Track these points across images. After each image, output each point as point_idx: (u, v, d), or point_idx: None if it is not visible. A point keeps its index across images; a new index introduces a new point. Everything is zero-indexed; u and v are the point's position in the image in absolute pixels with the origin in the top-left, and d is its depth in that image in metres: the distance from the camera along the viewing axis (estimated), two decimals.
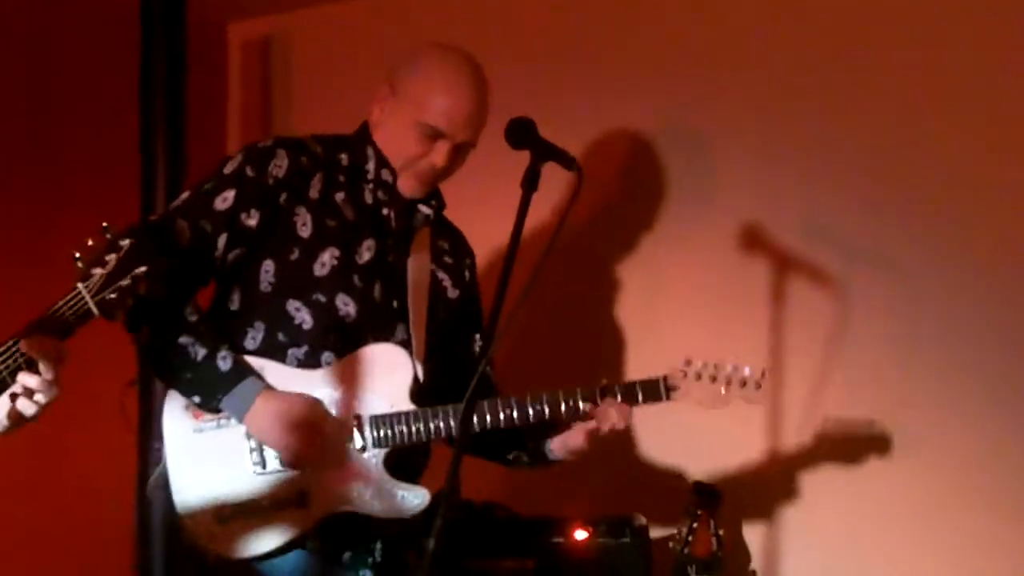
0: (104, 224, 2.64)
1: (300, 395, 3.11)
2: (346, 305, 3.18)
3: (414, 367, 3.21)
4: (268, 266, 3.16)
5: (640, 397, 3.24)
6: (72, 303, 2.59)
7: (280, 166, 3.17)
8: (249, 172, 3.15)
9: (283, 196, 3.16)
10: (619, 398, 3.21)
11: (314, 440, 3.08)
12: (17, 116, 4.85)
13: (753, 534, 4.20)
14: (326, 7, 5.20)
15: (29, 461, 4.17)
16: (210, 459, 3.12)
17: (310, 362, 3.15)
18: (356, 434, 3.14)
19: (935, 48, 3.99)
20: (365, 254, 3.23)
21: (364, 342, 3.19)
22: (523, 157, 2.95)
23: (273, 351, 3.15)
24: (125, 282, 2.62)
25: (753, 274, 4.18)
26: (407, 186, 3.27)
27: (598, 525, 4.00)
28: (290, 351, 3.16)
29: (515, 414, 3.18)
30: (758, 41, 4.27)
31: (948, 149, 3.97)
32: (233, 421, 3.10)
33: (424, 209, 3.35)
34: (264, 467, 3.11)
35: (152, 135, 4.74)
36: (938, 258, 3.99)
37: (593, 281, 4.56)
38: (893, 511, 4.03)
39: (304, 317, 3.15)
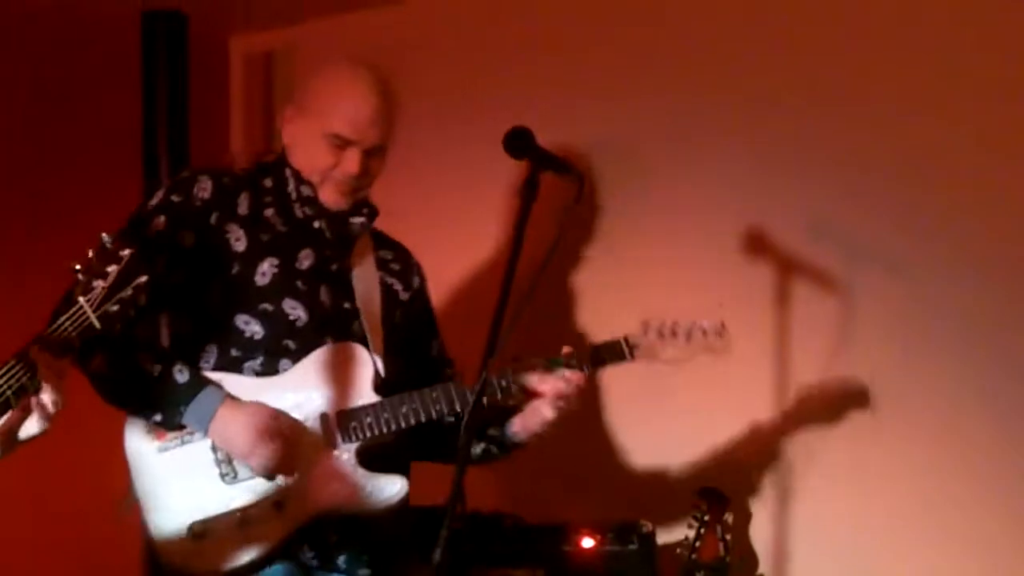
0: (103, 236, 2.63)
1: (262, 405, 3.10)
2: (294, 309, 3.19)
3: (373, 361, 3.22)
4: (210, 286, 3.16)
5: (605, 358, 3.29)
6: (74, 318, 2.59)
7: (204, 188, 3.20)
8: (175, 198, 3.18)
9: (213, 216, 3.19)
10: (584, 366, 3.26)
11: (282, 447, 3.07)
12: (19, 129, 4.86)
13: (760, 538, 4.20)
14: (328, 20, 5.20)
15: (37, 472, 4.15)
16: (177, 477, 3.11)
17: (268, 371, 3.16)
18: (324, 433, 3.14)
19: (938, 48, 3.98)
20: (304, 261, 3.25)
21: (321, 343, 3.20)
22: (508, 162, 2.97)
23: (229, 367, 3.15)
24: (127, 293, 2.62)
25: (756, 277, 4.18)
26: (330, 199, 3.28)
27: (605, 532, 4.00)
28: (246, 364, 3.16)
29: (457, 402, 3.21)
30: (759, 41, 4.27)
31: (952, 149, 3.96)
32: (196, 437, 3.09)
33: (356, 219, 3.34)
34: (235, 476, 3.10)
35: (155, 149, 4.77)
36: (943, 259, 3.99)
37: (589, 287, 4.56)
38: (901, 512, 4.02)
39: (254, 329, 3.16)
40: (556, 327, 4.49)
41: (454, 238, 4.64)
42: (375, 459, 3.21)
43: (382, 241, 3.49)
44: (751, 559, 4.19)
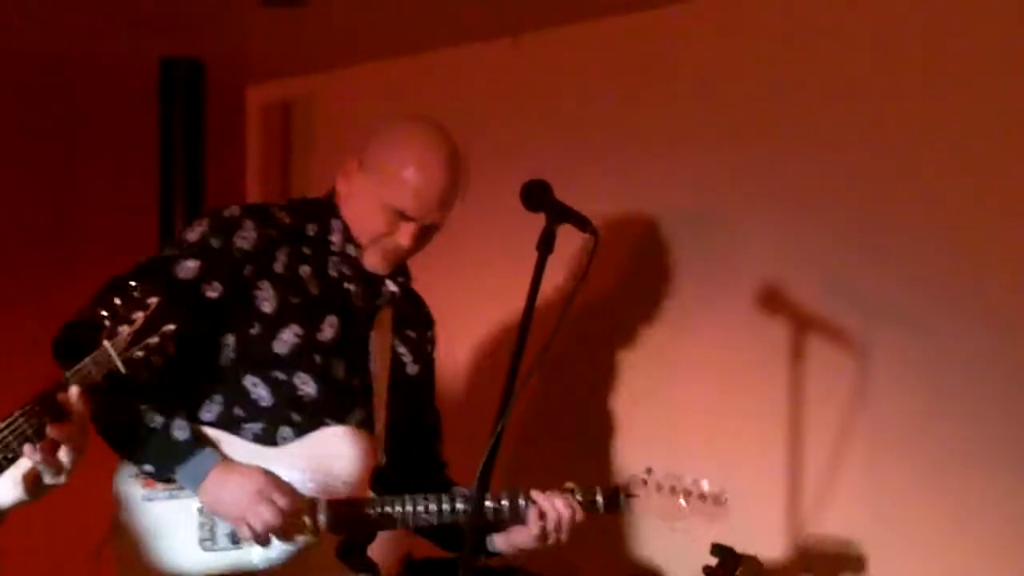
0: (132, 283, 2.64)
1: (259, 468, 3.04)
2: (305, 385, 3.12)
3: (375, 452, 3.17)
4: (228, 339, 3.09)
5: (601, 506, 3.23)
6: (98, 361, 2.58)
7: (246, 238, 3.11)
8: (214, 243, 3.09)
9: (247, 269, 3.10)
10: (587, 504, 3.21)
11: (275, 511, 3.00)
12: (37, 175, 4.89)
13: None
14: (345, 71, 5.23)
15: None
16: (157, 530, 3.06)
17: (266, 438, 3.10)
18: (309, 519, 3.06)
19: (958, 102, 3.97)
20: (328, 331, 3.16)
21: (322, 422, 3.13)
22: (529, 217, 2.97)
23: (229, 424, 3.10)
24: (153, 340, 2.62)
25: (771, 334, 4.16)
26: (372, 262, 3.21)
27: None
28: (246, 426, 3.10)
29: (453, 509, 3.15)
30: (773, 97, 4.27)
31: (970, 206, 3.94)
32: (185, 493, 3.04)
33: (390, 286, 3.29)
34: (213, 543, 3.05)
35: (171, 196, 4.79)
36: (959, 315, 3.95)
37: (608, 341, 4.55)
38: (920, 572, 3.99)
39: (261, 393, 3.11)
40: (571, 387, 4.48)
41: (480, 291, 4.66)
42: (354, 551, 3.19)
43: (404, 296, 3.38)
44: None
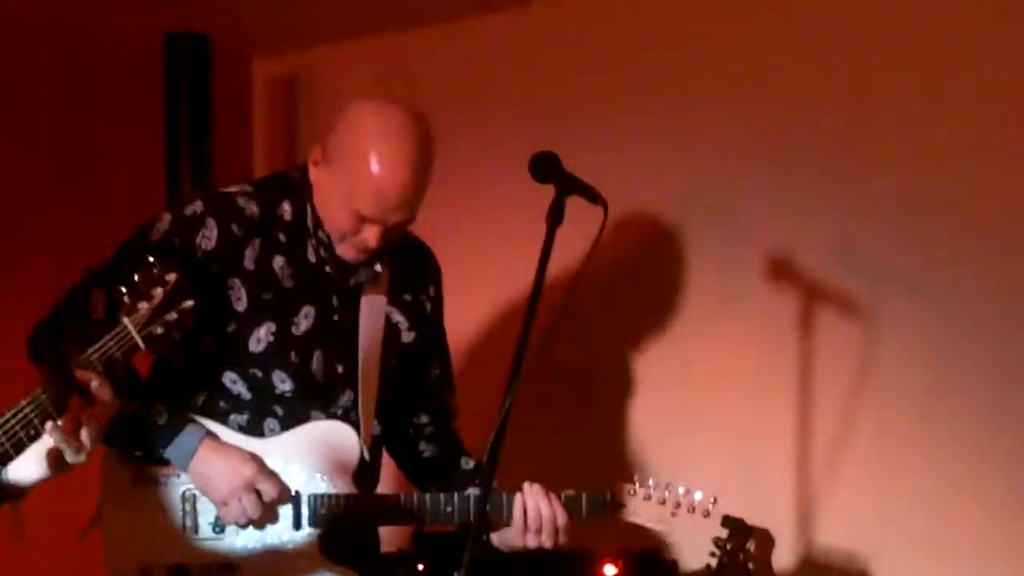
0: (150, 259, 2.64)
1: (249, 453, 3.03)
2: (283, 383, 3.09)
3: (360, 447, 3.13)
4: (204, 335, 3.01)
5: (584, 511, 3.22)
6: (118, 338, 2.59)
7: (209, 237, 3.03)
8: (176, 243, 3.01)
9: (214, 267, 3.03)
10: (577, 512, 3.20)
11: (257, 504, 3.00)
12: (43, 151, 4.88)
13: (783, 567, 4.17)
14: (352, 44, 5.21)
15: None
16: (143, 515, 3.06)
17: (252, 429, 3.09)
18: (292, 510, 3.06)
19: (968, 74, 3.96)
20: (303, 323, 3.10)
21: (307, 415, 3.11)
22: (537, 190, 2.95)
23: (214, 416, 3.08)
24: (172, 316, 2.62)
25: (780, 304, 4.16)
26: (345, 255, 3.13)
27: (627, 560, 3.98)
28: (231, 416, 3.09)
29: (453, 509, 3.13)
30: (784, 67, 4.27)
31: (978, 173, 3.94)
32: (173, 479, 3.04)
33: (375, 266, 3.19)
34: (196, 531, 3.05)
35: (178, 171, 4.78)
36: (968, 282, 3.96)
37: (615, 316, 4.54)
38: (929, 541, 3.99)
39: (241, 389, 3.09)
40: (580, 368, 4.47)
41: (485, 264, 4.65)
42: (344, 546, 3.16)
43: (400, 252, 3.26)
44: None
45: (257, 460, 3.03)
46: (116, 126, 5.05)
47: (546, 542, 3.17)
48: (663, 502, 3.22)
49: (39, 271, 4.47)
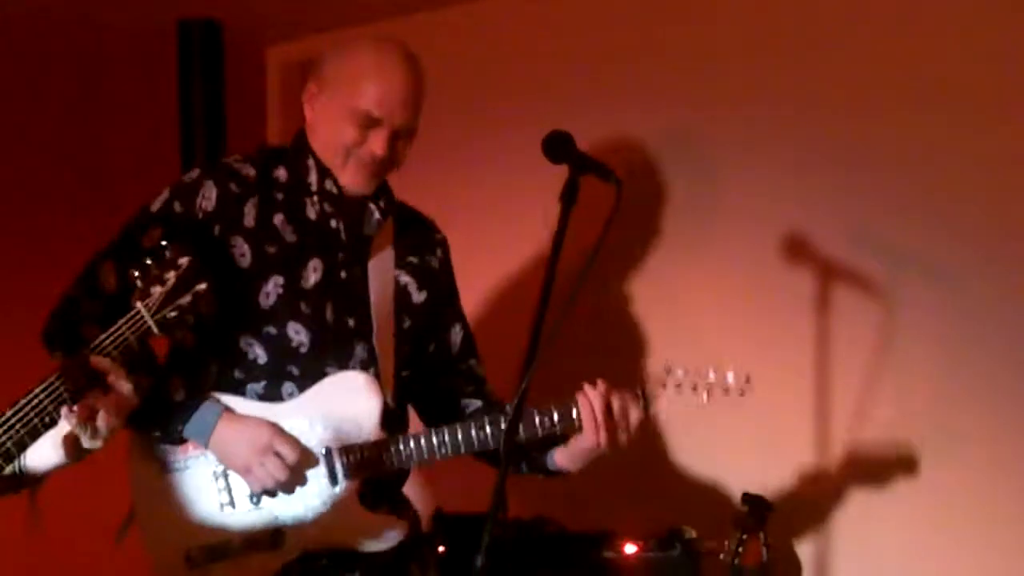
0: (163, 242, 2.64)
1: (265, 421, 3.03)
2: (298, 334, 3.08)
3: (382, 392, 3.11)
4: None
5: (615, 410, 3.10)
6: (132, 323, 2.59)
7: (208, 197, 3.06)
8: (177, 207, 3.06)
9: (216, 228, 3.05)
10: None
11: (281, 466, 2.99)
12: (56, 139, 4.89)
13: (803, 545, 4.17)
14: (366, 29, 5.19)
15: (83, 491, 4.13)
16: (178, 500, 3.06)
17: (270, 396, 3.08)
18: (326, 467, 3.05)
19: (983, 56, 3.95)
20: (311, 276, 3.11)
21: (323, 371, 3.10)
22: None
23: (231, 388, 3.07)
24: (186, 299, 2.62)
25: (797, 284, 4.15)
26: (351, 182, 3.14)
27: (648, 539, 3.98)
28: (248, 386, 3.08)
29: (490, 431, 3.09)
30: (799, 46, 4.25)
31: (995, 155, 3.93)
32: (201, 460, 3.04)
33: (375, 212, 3.21)
34: (234, 506, 3.05)
35: (192, 158, 4.78)
36: (984, 261, 3.95)
37: (634, 298, 4.54)
38: (947, 519, 3.98)
39: (258, 352, 3.07)
40: (591, 347, 4.46)
41: (495, 244, 4.65)
42: (380, 494, 3.16)
43: (405, 223, 3.33)
44: (794, 565, 4.16)
45: (272, 425, 3.02)
46: (129, 113, 5.06)
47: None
48: (695, 388, 3.15)
49: (53, 260, 4.48)
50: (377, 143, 3.09)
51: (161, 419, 3.02)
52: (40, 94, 4.87)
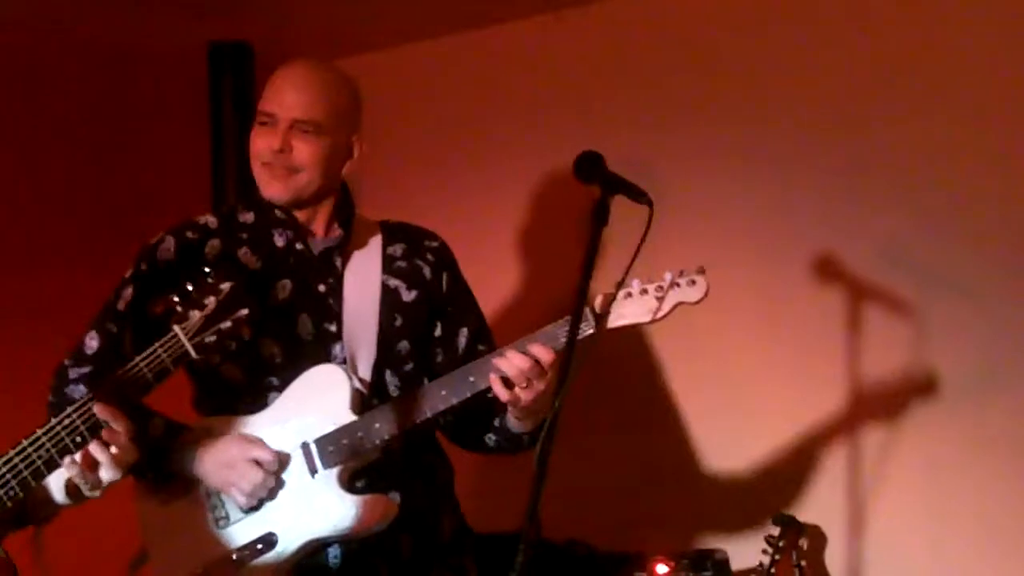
0: (206, 269, 2.66)
1: (232, 436, 3.08)
2: (269, 347, 3.13)
3: (349, 379, 3.12)
4: None
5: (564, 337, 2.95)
6: (168, 346, 2.60)
7: (167, 249, 3.13)
8: (143, 267, 3.13)
9: (178, 274, 2.95)
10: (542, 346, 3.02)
11: (256, 471, 3.03)
12: (88, 162, 4.91)
13: (835, 564, 4.16)
14: (392, 50, 5.23)
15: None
16: (180, 527, 3.11)
17: (257, 408, 3.13)
18: (304, 460, 3.08)
19: (1013, 72, 3.95)
20: (280, 293, 3.15)
21: (299, 374, 3.13)
22: None
23: (222, 410, 3.15)
24: (225, 325, 2.63)
25: (828, 304, 4.15)
26: (268, 190, 3.16)
27: (679, 560, 3.98)
28: (233, 404, 3.15)
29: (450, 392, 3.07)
30: (830, 66, 4.26)
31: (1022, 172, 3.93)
32: (194, 484, 3.09)
33: (335, 229, 3.25)
34: (228, 520, 3.09)
35: (223, 180, 4.81)
36: (1017, 283, 3.95)
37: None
38: (980, 540, 3.97)
39: (234, 372, 3.13)
40: (619, 365, 4.46)
41: (518, 266, 4.67)
42: (368, 477, 3.15)
43: (394, 235, 3.36)
44: None
45: (238, 437, 3.07)
46: (161, 134, 5.08)
47: (539, 387, 3.02)
48: (644, 292, 3.03)
49: (82, 277, 4.50)
50: (274, 138, 3.14)
51: (150, 463, 3.04)
52: (73, 114, 4.89)
